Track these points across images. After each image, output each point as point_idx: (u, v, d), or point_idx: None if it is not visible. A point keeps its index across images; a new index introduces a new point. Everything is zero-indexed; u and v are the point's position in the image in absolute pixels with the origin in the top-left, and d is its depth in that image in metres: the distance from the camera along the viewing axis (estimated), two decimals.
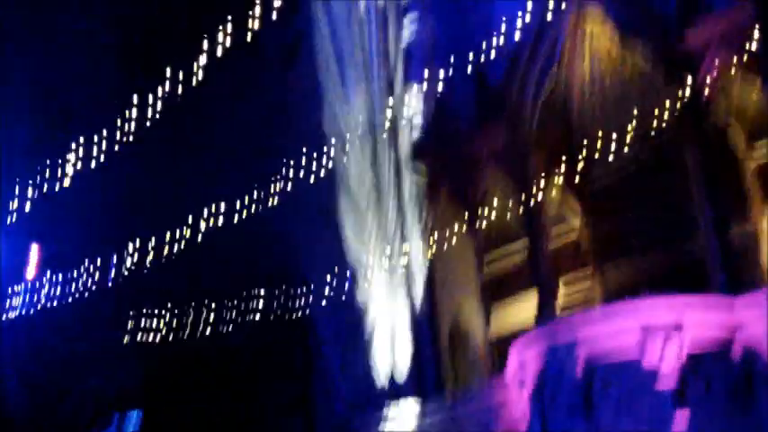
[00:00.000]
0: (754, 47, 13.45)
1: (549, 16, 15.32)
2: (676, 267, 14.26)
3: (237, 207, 16.81)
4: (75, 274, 18.77)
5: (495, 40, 15.79)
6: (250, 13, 15.39)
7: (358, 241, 17.11)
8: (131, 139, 16.48)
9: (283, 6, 15.22)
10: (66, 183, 16.59)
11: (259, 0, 17.01)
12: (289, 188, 16.62)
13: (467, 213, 16.31)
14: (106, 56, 21.04)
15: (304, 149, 17.43)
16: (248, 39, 14.47)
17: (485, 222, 16.29)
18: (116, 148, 16.30)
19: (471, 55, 15.71)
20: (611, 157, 15.11)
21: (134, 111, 16.16)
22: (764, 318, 12.24)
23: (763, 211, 13.74)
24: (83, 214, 19.44)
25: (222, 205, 16.89)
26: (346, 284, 17.26)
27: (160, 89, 15.98)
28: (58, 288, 18.81)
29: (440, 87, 16.67)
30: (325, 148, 17.24)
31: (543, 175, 15.38)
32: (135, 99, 16.23)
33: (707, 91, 13.94)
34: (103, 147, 16.59)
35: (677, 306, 12.74)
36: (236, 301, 18.94)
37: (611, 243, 15.28)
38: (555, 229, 15.84)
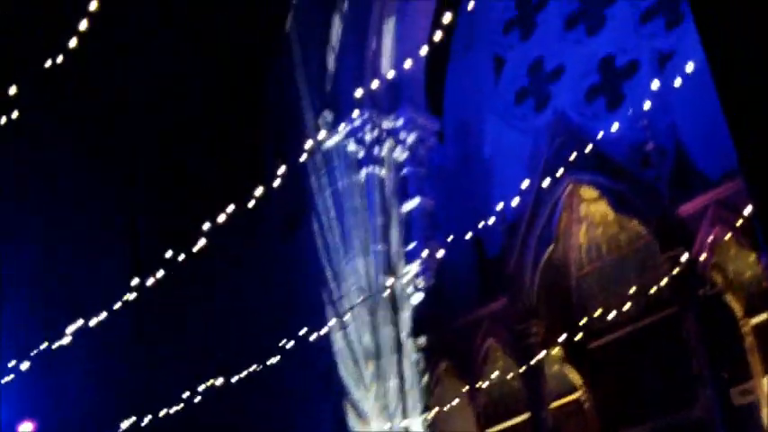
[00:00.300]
0: (747, 219, 13.48)
1: (546, 185, 15.56)
2: None
3: (234, 378, 16.56)
4: None
5: (493, 209, 15.96)
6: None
7: (357, 413, 16.83)
8: (127, 310, 16.39)
9: (285, 178, 15.39)
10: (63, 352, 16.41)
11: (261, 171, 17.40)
12: (288, 356, 16.42)
13: (467, 387, 16.11)
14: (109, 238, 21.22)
15: (304, 318, 17.33)
16: (250, 207, 14.53)
17: (486, 396, 16.09)
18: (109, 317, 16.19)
19: (471, 224, 15.82)
20: (610, 325, 15.14)
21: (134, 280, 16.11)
22: None
23: (763, 373, 13.61)
24: (79, 391, 19.19)
25: (219, 378, 16.63)
26: None
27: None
28: None
29: (439, 256, 16.75)
30: (326, 317, 17.15)
31: (544, 344, 15.29)
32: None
33: (702, 261, 14.00)
34: (103, 316, 16.49)
35: None
36: None
37: (613, 412, 15.09)
38: (557, 400, 15.65)
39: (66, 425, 18.91)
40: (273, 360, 16.38)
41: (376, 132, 18.82)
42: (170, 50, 21.07)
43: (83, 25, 11.64)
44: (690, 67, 13.23)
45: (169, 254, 15.57)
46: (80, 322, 16.41)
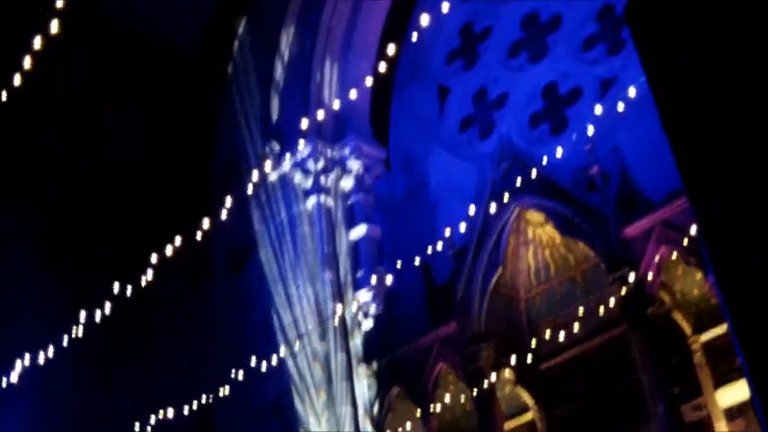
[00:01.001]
0: (692, 239, 13.70)
1: (493, 211, 15.73)
2: None
3: (185, 410, 16.45)
4: None
5: (441, 235, 16.09)
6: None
7: None
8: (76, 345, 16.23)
9: (233, 210, 15.39)
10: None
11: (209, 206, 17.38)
12: (239, 386, 16.35)
13: (419, 411, 16.16)
14: (52, 270, 21.00)
15: (255, 348, 17.30)
16: (198, 239, 14.49)
17: (438, 420, 16.15)
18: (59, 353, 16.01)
19: (419, 251, 15.94)
20: (561, 346, 15.33)
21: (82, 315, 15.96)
22: None
23: (713, 388, 13.86)
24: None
25: (170, 410, 16.50)
26: None
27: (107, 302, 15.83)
28: None
29: (388, 284, 16.82)
30: (276, 346, 17.11)
31: (495, 366, 15.40)
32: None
33: (650, 281, 14.22)
34: (50, 354, 16.29)
35: None
36: None
37: (565, 431, 15.25)
38: (508, 422, 15.76)
39: None
40: (224, 390, 16.31)
41: (322, 162, 18.89)
42: (116, 84, 21.02)
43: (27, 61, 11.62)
44: (632, 92, 13.51)
45: (116, 288, 15.47)
46: (26, 360, 16.22)
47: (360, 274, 17.95)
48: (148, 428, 16.81)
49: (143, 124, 21.35)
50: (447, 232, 16.01)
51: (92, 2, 19.70)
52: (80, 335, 15.62)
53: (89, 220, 21.07)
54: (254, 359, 16.48)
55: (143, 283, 15.23)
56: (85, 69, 20.83)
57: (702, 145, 5.45)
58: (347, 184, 18.90)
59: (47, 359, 15.70)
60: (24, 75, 11.58)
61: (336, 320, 17.24)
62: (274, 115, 19.93)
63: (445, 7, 14.56)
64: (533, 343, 15.66)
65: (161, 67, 21.09)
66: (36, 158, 20.68)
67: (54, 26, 11.33)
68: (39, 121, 20.43)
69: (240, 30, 21.20)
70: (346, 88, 18.78)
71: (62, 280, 20.59)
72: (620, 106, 14.05)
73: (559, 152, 14.59)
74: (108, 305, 15.26)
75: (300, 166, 18.87)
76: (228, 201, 14.73)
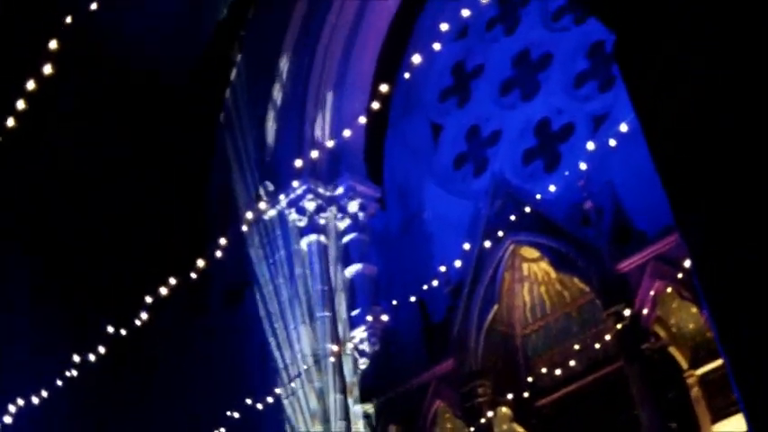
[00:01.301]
0: (687, 273, 13.74)
1: (488, 245, 15.78)
2: None
3: None
4: None
5: (436, 272, 16.13)
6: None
7: None
8: (71, 385, 16.19)
9: (227, 250, 15.43)
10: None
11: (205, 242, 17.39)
12: (234, 424, 16.30)
13: None
14: (45, 310, 20.96)
15: (251, 388, 17.26)
16: (193, 279, 14.51)
17: None
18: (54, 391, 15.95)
19: (414, 288, 15.97)
20: (557, 382, 15.31)
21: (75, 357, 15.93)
22: None
23: (710, 422, 13.84)
24: None
25: None
26: None
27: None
28: None
29: (384, 320, 16.82)
30: (272, 386, 17.08)
31: (492, 402, 15.38)
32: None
33: (645, 316, 14.24)
34: (43, 395, 16.24)
35: None
36: None
37: None
38: None
39: None
40: (221, 431, 16.25)
41: (317, 202, 18.94)
42: (109, 123, 21.10)
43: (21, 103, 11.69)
44: (624, 127, 13.61)
45: (111, 329, 15.48)
46: (20, 402, 16.17)
47: (356, 312, 17.95)
48: None
49: (137, 163, 21.40)
50: (443, 269, 16.05)
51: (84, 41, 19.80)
52: (74, 376, 15.60)
53: (82, 260, 21.06)
54: (249, 399, 16.45)
55: (138, 323, 15.23)
56: (77, 101, 20.90)
57: (693, 181, 5.50)
58: (342, 223, 18.95)
59: (40, 401, 15.66)
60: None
61: (332, 359, 17.22)
62: (268, 154, 20.00)
63: (437, 46, 14.69)
64: (530, 379, 15.64)
65: (154, 104, 21.18)
66: (28, 199, 20.70)
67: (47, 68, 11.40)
68: (32, 158, 20.48)
69: (234, 70, 21.33)
70: (340, 127, 18.89)
71: (56, 321, 20.56)
72: (613, 142, 14.14)
73: (553, 188, 14.67)
74: (102, 347, 15.27)
75: (295, 205, 18.93)
76: (223, 240, 14.76)
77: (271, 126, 20.24)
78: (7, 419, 16.27)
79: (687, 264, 13.04)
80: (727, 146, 5.35)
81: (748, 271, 5.15)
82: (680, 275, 13.81)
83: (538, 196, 15.40)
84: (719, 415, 13.89)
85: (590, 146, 14.42)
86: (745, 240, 5.17)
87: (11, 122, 11.85)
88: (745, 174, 5.22)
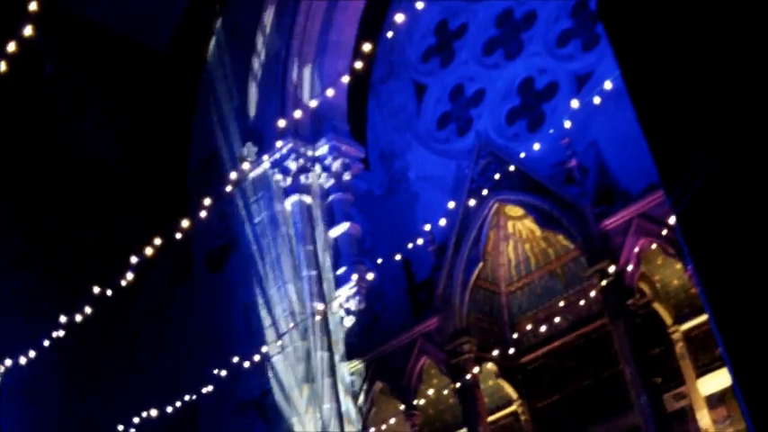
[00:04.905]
0: (671, 230, 13.82)
1: (473, 204, 15.84)
2: None
3: (168, 408, 16.49)
4: None
5: (421, 231, 16.18)
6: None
7: None
8: (57, 347, 16.21)
9: (211, 210, 15.40)
10: None
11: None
12: (221, 382, 16.40)
13: (403, 406, 16.25)
14: (29, 272, 20.97)
15: (237, 347, 17.36)
16: (177, 239, 14.50)
17: (422, 414, 16.24)
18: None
19: (399, 247, 16.01)
20: (542, 339, 15.47)
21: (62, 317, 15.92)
22: None
23: (694, 377, 14.02)
24: None
25: (153, 410, 16.52)
26: None
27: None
28: None
29: (369, 279, 16.88)
30: (258, 344, 17.18)
31: (477, 360, 15.51)
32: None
33: (629, 272, 14.34)
34: (31, 356, 16.26)
35: None
36: None
37: (550, 423, 15.39)
38: (493, 414, 15.88)
39: None
40: (208, 389, 16.35)
41: (301, 161, 18.93)
42: (88, 84, 20.99)
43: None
44: (608, 86, 13.62)
45: (96, 290, 15.47)
46: (8, 362, 16.20)
47: (341, 271, 18.01)
48: (132, 430, 16.83)
49: (118, 125, 21.33)
50: (427, 228, 16.10)
51: (64, 4, 19.66)
52: (60, 337, 15.62)
53: (65, 223, 21.04)
54: (236, 357, 16.54)
55: (123, 284, 15.23)
56: (56, 70, 20.78)
57: (677, 139, 5.54)
58: (326, 183, 18.96)
59: (27, 362, 15.70)
60: None
61: (318, 318, 17.31)
62: (251, 115, 19.95)
63: (420, 5, 14.63)
64: (515, 336, 15.79)
65: (135, 66, 21.08)
66: (11, 161, 20.63)
67: (27, 30, 11.32)
68: (13, 121, 20.38)
69: (215, 30, 21.21)
70: (323, 87, 18.86)
71: (41, 283, 20.58)
72: (597, 100, 14.16)
73: (537, 147, 14.69)
74: (87, 308, 15.27)
75: (278, 165, 18.92)
76: (207, 201, 14.74)
77: (253, 86, 20.17)
78: None
79: (671, 221, 13.13)
80: (712, 103, 5.39)
81: (733, 227, 5.21)
82: (664, 232, 13.90)
83: (522, 155, 15.43)
84: (704, 370, 14.07)
85: (574, 105, 14.42)
86: (730, 197, 5.23)
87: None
88: (730, 131, 5.26)
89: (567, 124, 14.58)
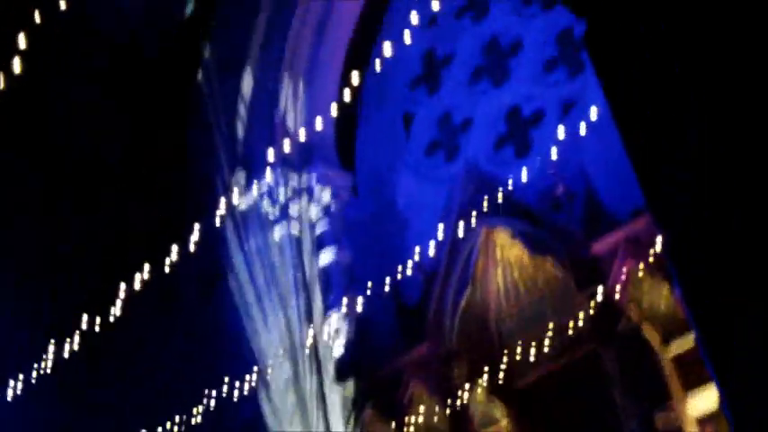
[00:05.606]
0: (658, 253, 13.94)
1: (461, 233, 15.93)
2: None
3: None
4: None
5: (410, 258, 16.25)
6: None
7: None
8: (48, 375, 16.23)
9: (201, 239, 15.49)
10: None
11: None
12: (212, 412, 16.41)
13: (393, 424, 16.26)
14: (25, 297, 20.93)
15: (228, 373, 17.37)
16: (167, 268, 14.57)
17: None
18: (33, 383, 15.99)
19: (389, 274, 16.09)
20: (532, 364, 15.50)
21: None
22: None
23: (683, 397, 14.08)
24: None
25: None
26: None
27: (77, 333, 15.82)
28: None
29: (359, 308, 16.93)
30: (249, 371, 17.20)
31: (467, 382, 15.54)
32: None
33: (618, 297, 14.45)
34: (19, 386, 16.26)
35: None
36: None
37: None
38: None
39: None
40: (198, 418, 16.34)
41: (289, 190, 19.01)
42: (89, 109, 21.03)
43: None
44: (594, 113, 13.78)
45: (85, 319, 15.50)
46: None
47: (331, 299, 18.05)
48: None
49: (114, 150, 21.33)
50: (416, 255, 16.17)
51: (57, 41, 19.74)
52: (50, 366, 15.64)
53: (56, 251, 21.01)
54: (226, 384, 16.55)
55: (113, 312, 15.27)
56: (54, 94, 20.82)
57: (662, 164, 5.65)
58: (315, 211, 19.03)
59: (21, 387, 15.69)
60: None
61: (309, 344, 17.33)
62: (240, 145, 20.04)
63: (407, 35, 14.77)
64: (505, 361, 15.81)
65: (128, 87, 21.09)
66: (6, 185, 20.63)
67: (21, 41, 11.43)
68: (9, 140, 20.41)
69: (203, 62, 21.30)
70: (311, 116, 18.96)
71: (32, 312, 20.53)
72: (583, 127, 14.31)
73: (525, 173, 14.82)
74: (78, 335, 15.29)
75: (268, 194, 18.98)
76: (197, 230, 14.81)
77: (242, 116, 20.27)
78: None
79: (658, 244, 13.24)
80: (696, 129, 5.51)
81: (719, 250, 5.32)
82: (651, 256, 14.01)
83: (510, 181, 15.55)
84: (692, 390, 14.12)
85: (560, 131, 14.57)
86: (715, 221, 5.34)
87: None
88: (714, 156, 5.38)
89: (554, 151, 14.72)
